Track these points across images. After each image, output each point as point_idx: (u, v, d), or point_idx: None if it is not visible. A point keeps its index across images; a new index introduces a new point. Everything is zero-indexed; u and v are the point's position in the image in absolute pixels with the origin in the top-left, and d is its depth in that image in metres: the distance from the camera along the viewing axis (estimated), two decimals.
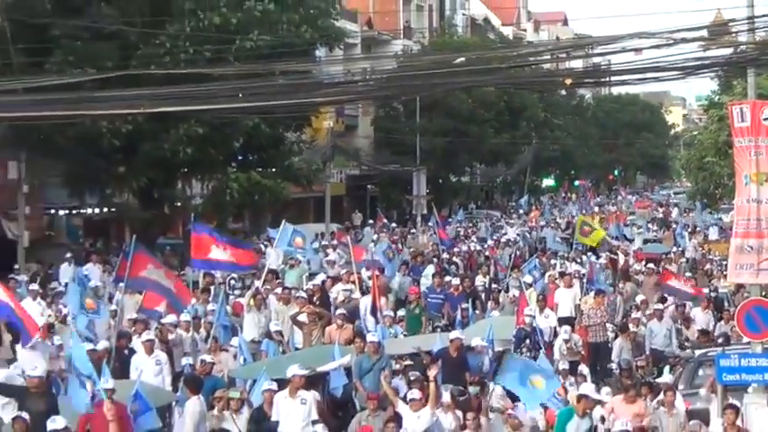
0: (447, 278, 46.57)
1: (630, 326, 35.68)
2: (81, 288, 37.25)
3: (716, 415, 23.00)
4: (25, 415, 23.02)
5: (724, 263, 43.99)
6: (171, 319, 33.00)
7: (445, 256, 57.36)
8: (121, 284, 35.27)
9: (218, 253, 37.98)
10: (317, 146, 78.32)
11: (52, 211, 62.66)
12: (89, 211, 65.62)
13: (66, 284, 42.40)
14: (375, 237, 66.20)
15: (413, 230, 77.12)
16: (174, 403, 26.18)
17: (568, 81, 44.08)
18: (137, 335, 30.63)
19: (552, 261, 55.03)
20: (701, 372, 27.54)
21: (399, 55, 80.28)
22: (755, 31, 28.53)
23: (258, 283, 39.88)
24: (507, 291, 44.09)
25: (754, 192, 26.28)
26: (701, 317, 37.52)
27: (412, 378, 26.96)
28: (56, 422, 20.80)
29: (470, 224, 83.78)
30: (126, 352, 29.98)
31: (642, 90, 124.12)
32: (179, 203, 63.96)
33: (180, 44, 53.46)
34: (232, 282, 40.57)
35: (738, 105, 27.96)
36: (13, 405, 24.43)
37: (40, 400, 24.22)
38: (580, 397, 23.09)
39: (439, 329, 36.38)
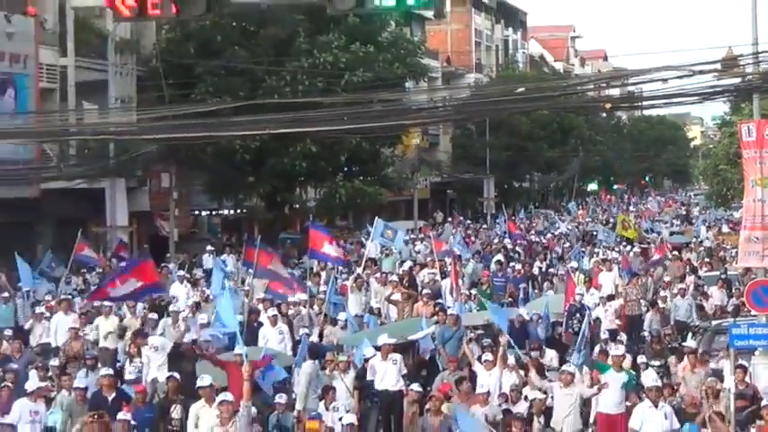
0: (511, 263, 46.82)
1: (659, 302, 35.58)
2: (220, 273, 37.55)
3: (729, 373, 22.80)
4: (177, 375, 23.20)
5: (734, 250, 43.70)
6: (291, 298, 33.23)
7: (509, 246, 57.42)
8: (251, 270, 35.44)
9: (329, 248, 38.42)
10: (407, 159, 78.47)
11: (196, 213, 63.03)
12: (225, 212, 66.19)
13: (208, 271, 42.65)
14: (453, 231, 66.11)
15: (483, 226, 76.90)
16: (293, 365, 26.20)
17: (608, 105, 43.82)
18: (264, 311, 30.69)
19: (596, 250, 54.81)
20: (717, 338, 27.37)
21: (472, 86, 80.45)
22: (759, 64, 28.36)
23: (359, 269, 40.23)
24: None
25: (759, 193, 26.23)
26: (716, 294, 37.28)
27: (485, 344, 26.91)
28: (204, 380, 20.84)
29: (530, 221, 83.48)
30: (255, 324, 30.06)
31: (668, 112, 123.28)
32: (297, 206, 64.47)
33: (298, 78, 53.91)
34: (340, 268, 40.61)
35: (746, 124, 27.83)
36: (165, 368, 24.58)
37: (189, 363, 24.34)
38: (615, 357, 22.99)
39: (504, 305, 36.36)
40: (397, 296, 35.25)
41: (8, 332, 30.27)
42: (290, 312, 31.75)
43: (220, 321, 24.33)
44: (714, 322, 30.86)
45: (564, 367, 23.30)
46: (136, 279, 30.11)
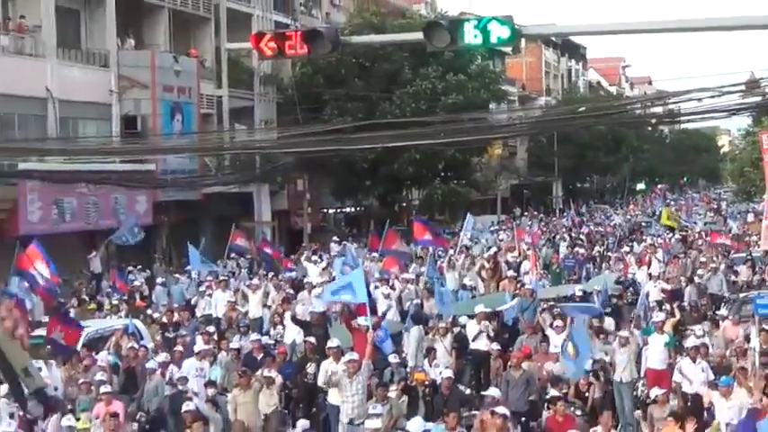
0: (576, 249, 46.76)
1: (696, 278, 35.23)
2: (343, 258, 37.79)
3: (755, 335, 22.44)
4: (312, 339, 23.33)
5: (757, 236, 43.48)
6: (403, 275, 33.42)
7: (574, 234, 57.48)
8: (374, 254, 35.74)
9: (428, 236, 38.63)
10: (491, 165, 78.31)
11: (325, 210, 63.21)
12: (347, 209, 66.35)
13: (334, 256, 42.88)
14: (529, 223, 66.11)
15: (553, 219, 76.63)
16: (403, 331, 26.20)
17: (653, 120, 43.20)
18: (380, 286, 30.76)
19: (644, 237, 54.53)
20: (744, 307, 26.94)
21: (543, 107, 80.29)
22: None
23: (451, 252, 40.32)
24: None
25: None
26: (744, 271, 36.90)
27: (555, 313, 26.78)
28: (332, 342, 20.91)
29: (590, 214, 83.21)
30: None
31: (701, 125, 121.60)
32: (404, 204, 64.68)
33: (404, 102, 54.08)
34: (438, 252, 40.60)
35: (766, 134, 27.53)
36: (302, 333, 24.72)
37: (320, 329, 24.44)
38: (657, 322, 22.79)
39: (571, 282, 36.30)
40: (484, 273, 35.54)
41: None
42: (399, 288, 31.79)
43: (353, 293, 24.39)
44: (742, 294, 30.46)
45: (620, 333, 23.13)
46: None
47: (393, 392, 19.12)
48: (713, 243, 45.50)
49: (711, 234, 50.11)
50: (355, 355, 19.39)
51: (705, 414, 18.29)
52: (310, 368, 21.78)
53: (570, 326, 23.12)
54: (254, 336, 24.78)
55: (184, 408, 18.30)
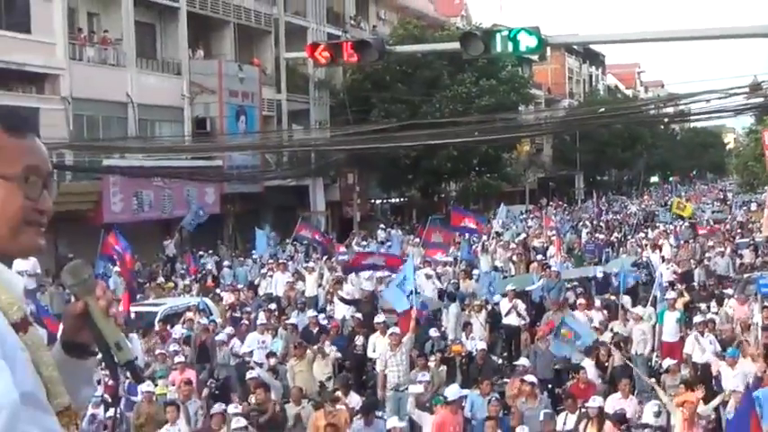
0: (596, 235, 46.73)
1: (705, 261, 35.03)
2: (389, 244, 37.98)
3: (757, 311, 22.27)
4: (359, 315, 23.41)
5: (759, 223, 43.19)
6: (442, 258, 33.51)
7: (594, 222, 57.43)
8: (416, 240, 35.84)
9: (466, 222, 38.55)
10: (520, 161, 78.15)
11: (372, 201, 63.26)
12: (392, 200, 66.38)
13: (381, 242, 42.99)
14: (554, 211, 65.87)
15: (576, 208, 76.44)
16: (442, 308, 26.22)
17: (665, 120, 42.92)
18: (423, 267, 30.83)
19: (657, 224, 54.28)
20: (748, 287, 26.73)
21: (566, 108, 79.80)
22: None
23: (484, 238, 40.34)
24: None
25: None
26: (747, 254, 36.63)
27: (578, 292, 26.71)
28: (379, 317, 20.96)
29: (609, 204, 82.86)
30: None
31: (709, 124, 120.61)
32: (443, 195, 64.65)
33: (442, 105, 54.04)
34: (473, 238, 40.54)
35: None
36: (353, 309, 24.76)
37: (368, 306, 24.45)
38: (669, 299, 22.68)
39: (592, 264, 36.15)
40: (515, 258, 35.56)
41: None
42: (440, 270, 31.81)
43: (403, 278, 24.48)
44: (746, 275, 30.24)
45: (634, 309, 23.05)
46: (385, 259, 30.68)
47: (433, 363, 19.14)
48: (712, 233, 45.22)
49: (712, 226, 50.03)
50: (398, 330, 19.47)
51: (713, 382, 18.19)
52: (358, 341, 21.84)
53: (563, 310, 23.05)
54: (310, 312, 24.86)
55: (248, 376, 18.40)
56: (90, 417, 15.07)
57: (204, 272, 34.83)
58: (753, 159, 64.38)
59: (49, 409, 2.50)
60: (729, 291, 27.14)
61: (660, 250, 37.28)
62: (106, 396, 15.16)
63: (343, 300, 26.22)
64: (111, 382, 14.26)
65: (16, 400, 2.26)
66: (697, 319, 21.44)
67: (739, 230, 47.64)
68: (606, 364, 19.53)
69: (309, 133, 52.57)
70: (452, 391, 15.29)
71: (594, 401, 14.83)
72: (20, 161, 2.51)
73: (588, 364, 18.97)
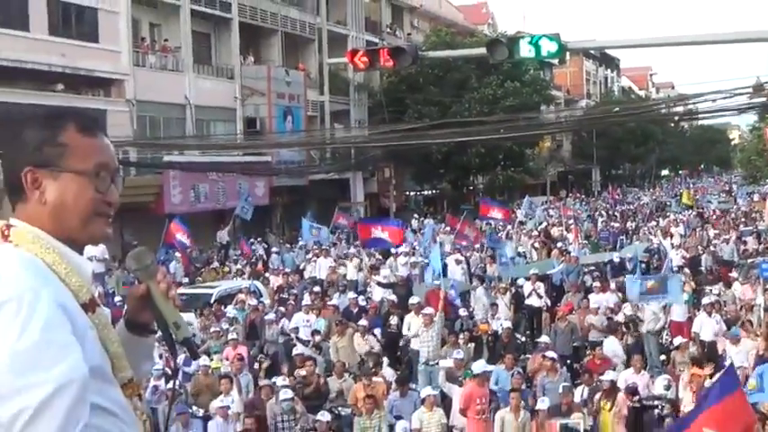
0: (611, 223, 46.51)
1: (711, 247, 34.78)
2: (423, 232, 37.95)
3: (760, 293, 22.09)
4: (394, 297, 23.44)
5: (761, 212, 42.97)
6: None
7: (610, 211, 57.06)
8: (447, 228, 35.78)
9: (494, 213, 38.57)
10: (542, 156, 77.78)
11: (407, 193, 63.24)
12: (425, 192, 66.27)
13: (413, 231, 42.98)
14: (573, 202, 65.63)
15: (592, 199, 76.02)
16: (470, 290, 26.17)
17: (675, 118, 42.58)
18: (452, 253, 30.81)
19: (668, 213, 53.93)
20: (751, 271, 26.52)
21: (584, 108, 79.44)
22: None
23: (509, 226, 40.26)
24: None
25: None
26: (750, 242, 36.34)
27: (594, 275, 26.62)
28: (413, 299, 20.94)
29: (623, 195, 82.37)
30: (444, 264, 30.18)
31: (715, 121, 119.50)
32: (471, 188, 64.46)
33: (472, 105, 53.91)
34: (498, 226, 40.47)
35: None
36: (389, 292, 24.75)
37: (403, 289, 24.43)
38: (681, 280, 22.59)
39: (607, 250, 35.95)
40: (536, 245, 35.44)
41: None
42: (468, 255, 31.78)
43: (433, 262, 24.47)
44: (749, 260, 30.00)
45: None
46: (387, 235, 30.61)
47: (462, 340, 19.14)
48: (721, 221, 44.98)
49: (719, 215, 49.74)
50: (430, 310, 19.48)
51: (720, 359, 18.07)
52: (393, 320, 21.87)
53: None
54: (350, 294, 24.96)
55: (295, 351, 18.51)
56: (152, 388, 15.21)
57: (255, 257, 35.00)
58: (756, 154, 64.33)
59: (114, 382, 2.54)
60: (734, 274, 26.94)
61: (671, 237, 37.10)
62: (167, 369, 15.32)
63: (380, 284, 26.25)
64: (170, 357, 14.47)
65: (86, 374, 2.30)
66: (704, 300, 21.31)
67: (743, 219, 47.27)
68: (621, 341, 19.47)
69: (349, 131, 52.70)
70: (479, 366, 15.30)
71: (607, 376, 14.78)
72: (91, 158, 2.56)
73: (611, 341, 18.96)
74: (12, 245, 2.45)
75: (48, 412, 2.18)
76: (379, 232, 31.90)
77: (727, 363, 16.81)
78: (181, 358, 15.32)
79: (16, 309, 2.25)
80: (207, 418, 14.57)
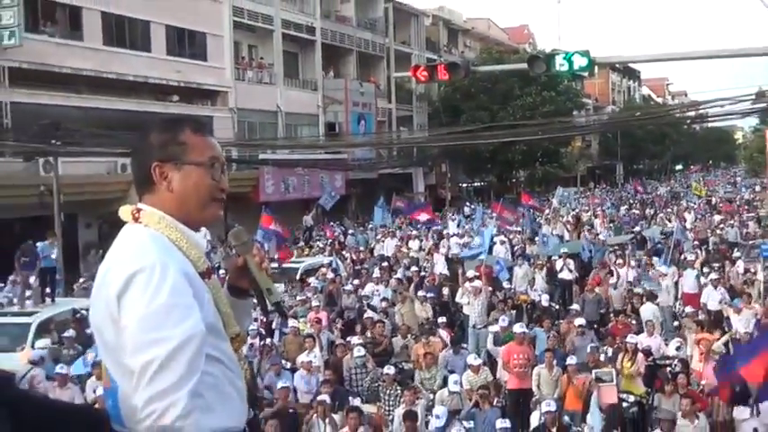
0: (632, 210, 45.89)
1: (717, 230, 34.09)
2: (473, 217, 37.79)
3: (761, 270, 21.66)
4: (446, 271, 23.38)
5: (762, 201, 42.10)
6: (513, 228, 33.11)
7: (631, 201, 56.25)
8: (494, 214, 35.59)
9: (531, 202, 38.39)
10: (574, 153, 76.70)
11: (460, 185, 62.92)
12: (475, 184, 65.79)
13: (466, 216, 42.85)
14: (599, 193, 64.77)
15: (616, 190, 74.89)
16: (513, 267, 26.00)
17: (688, 121, 41.73)
18: (499, 234, 30.60)
19: (681, 202, 52.96)
20: (752, 251, 25.99)
21: (609, 113, 78.22)
22: None
23: (547, 211, 39.99)
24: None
25: None
26: (752, 226, 35.63)
27: (617, 254, 26.27)
28: (468, 273, 20.89)
29: (643, 186, 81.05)
30: (491, 244, 30.03)
31: (723, 124, 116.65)
32: (514, 180, 63.90)
33: (515, 111, 53.36)
34: (536, 213, 40.16)
35: None
36: (445, 267, 24.70)
37: (457, 264, 24.33)
38: (690, 260, 22.21)
39: (628, 233, 35.41)
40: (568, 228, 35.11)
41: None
42: (511, 236, 31.56)
43: (482, 241, 24.33)
44: (751, 242, 29.38)
45: (660, 269, 22.50)
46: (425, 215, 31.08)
47: (505, 308, 19.06)
48: (726, 210, 43.97)
49: (725, 204, 48.63)
50: (479, 282, 19.44)
51: (724, 325, 17.78)
52: (445, 290, 21.86)
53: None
54: (413, 268, 24.97)
55: (366, 316, 18.60)
56: (249, 345, 15.39)
57: (334, 238, 35.17)
58: (757, 152, 63.17)
59: (225, 337, 2.63)
60: (737, 254, 26.41)
61: (684, 222, 36.49)
62: (261, 329, 15.49)
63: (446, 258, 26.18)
64: (264, 319, 14.61)
65: (204, 331, 2.40)
66: (711, 275, 20.96)
67: (746, 207, 46.34)
68: (639, 309, 19.25)
69: (412, 134, 52.63)
70: (519, 328, 15.25)
71: (632, 338, 14.59)
72: (206, 152, 2.65)
73: (647, 307, 18.68)
74: (142, 225, 2.54)
75: (173, 362, 2.28)
76: (421, 215, 36.70)
77: (732, 328, 16.60)
78: (279, 321, 15.53)
79: (148, 277, 2.35)
80: (294, 370, 14.72)
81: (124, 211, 2.60)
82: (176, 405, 2.27)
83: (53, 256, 20.99)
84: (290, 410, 12.66)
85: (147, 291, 2.34)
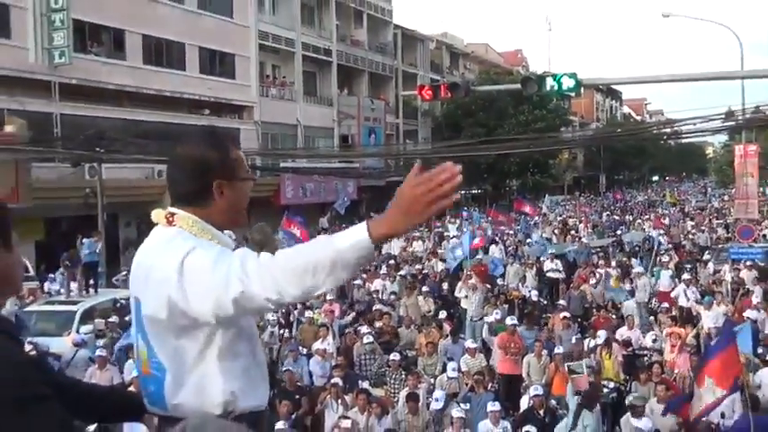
0: (613, 216, 45.63)
1: (690, 235, 33.89)
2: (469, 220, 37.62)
3: (728, 271, 21.56)
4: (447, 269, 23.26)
5: (730, 209, 41.83)
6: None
7: (612, 207, 55.99)
8: (489, 219, 35.46)
9: (524, 208, 38.18)
10: (561, 164, 76.32)
11: (460, 192, 62.20)
12: (473, 191, 65.44)
13: (465, 219, 42.72)
14: (584, 200, 64.33)
15: (599, 198, 74.52)
16: (506, 264, 25.90)
17: (665, 137, 41.62)
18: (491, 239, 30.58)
19: (657, 209, 52.74)
20: (721, 254, 25.85)
21: (593, 129, 77.95)
22: (744, 114, 26.67)
23: (536, 218, 39.61)
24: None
25: (743, 180, 24.71)
26: (721, 231, 35.33)
27: (600, 255, 26.13)
28: (466, 271, 20.81)
29: (622, 195, 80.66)
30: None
31: (695, 140, 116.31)
32: (507, 188, 63.67)
33: (510, 127, 53.18)
34: (527, 218, 40.00)
35: (738, 146, 26.33)
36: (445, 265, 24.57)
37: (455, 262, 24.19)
38: (664, 261, 22.05)
39: (609, 237, 35.17)
40: (556, 232, 34.90)
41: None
42: (505, 238, 31.43)
43: (463, 249, 24.17)
44: (720, 246, 29.21)
45: (637, 270, 22.39)
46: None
47: (498, 303, 19.00)
48: (698, 217, 43.72)
49: (697, 212, 48.40)
50: (475, 279, 19.38)
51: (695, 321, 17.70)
52: (445, 286, 21.78)
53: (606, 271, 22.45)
54: (417, 266, 24.91)
55: (375, 308, 18.56)
56: (270, 333, 15.39)
57: None
58: (726, 165, 62.86)
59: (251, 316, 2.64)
60: (707, 256, 26.26)
61: (660, 227, 36.28)
62: (281, 319, 15.48)
63: (441, 259, 26.13)
64: (283, 310, 14.62)
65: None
66: (684, 275, 20.87)
67: (715, 214, 46.05)
68: (619, 305, 19.17)
69: (417, 146, 52.55)
70: (510, 321, 15.19)
71: (602, 334, 14.44)
72: (246, 167, 2.64)
73: (630, 303, 18.67)
74: (176, 227, 2.50)
75: (243, 301, 2.20)
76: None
77: (702, 324, 16.52)
78: (295, 312, 15.50)
79: (201, 249, 2.33)
80: (309, 356, 14.70)
81: (157, 215, 2.56)
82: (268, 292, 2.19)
83: (97, 251, 21.14)
84: (297, 389, 12.62)
85: (206, 255, 2.29)
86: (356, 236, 2.19)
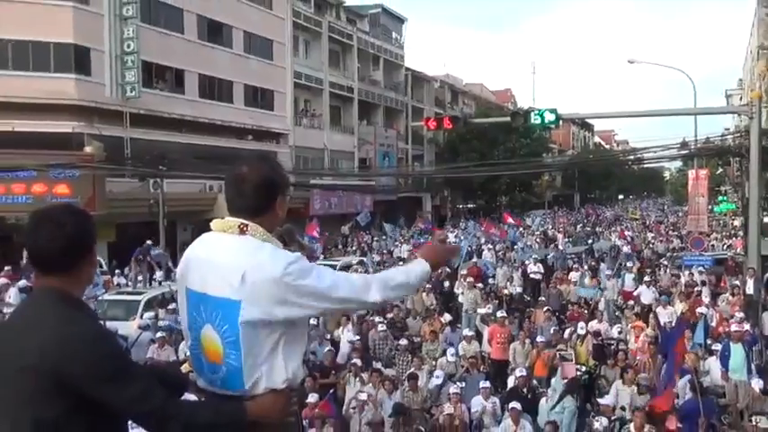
0: (586, 228, 45.17)
1: (650, 244, 33.62)
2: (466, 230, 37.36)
3: (682, 275, 21.34)
4: (447, 269, 23.13)
5: (683, 223, 41.38)
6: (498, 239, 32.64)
7: (584, 220, 55.36)
8: (482, 228, 35.12)
9: (512, 221, 37.93)
10: (543, 184, 75.77)
11: (457, 206, 62.31)
12: (469, 206, 65.07)
13: (462, 229, 42.41)
14: (562, 214, 63.55)
15: (574, 212, 73.94)
16: (497, 267, 25.68)
17: (629, 162, 41.37)
18: (484, 243, 30.29)
19: (623, 222, 52.22)
20: (676, 260, 25.59)
21: (570, 156, 77.55)
22: (697, 143, 26.51)
23: (521, 229, 39.22)
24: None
25: (695, 200, 24.49)
26: (675, 241, 35.01)
27: (574, 260, 25.85)
28: (462, 271, 20.65)
29: (594, 210, 79.94)
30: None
31: (656, 165, 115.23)
32: (498, 204, 63.20)
33: (500, 153, 52.89)
34: (513, 229, 39.69)
35: (691, 170, 26.10)
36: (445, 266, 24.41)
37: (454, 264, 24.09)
38: (629, 268, 21.75)
39: (582, 244, 34.82)
40: (538, 240, 34.59)
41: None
42: (496, 245, 31.17)
43: (463, 248, 24.02)
44: (675, 254, 28.94)
45: (607, 272, 22.19)
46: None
47: (490, 298, 18.90)
48: (656, 229, 43.31)
49: (656, 225, 47.95)
50: (471, 279, 19.29)
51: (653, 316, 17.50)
52: (446, 284, 21.70)
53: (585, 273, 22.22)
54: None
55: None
56: None
57: (364, 243, 35.00)
58: (680, 186, 62.42)
59: None
60: (665, 262, 26.04)
61: (624, 237, 35.98)
62: None
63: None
64: None
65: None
66: (645, 278, 20.69)
67: (671, 227, 45.66)
68: (590, 303, 19.04)
69: (423, 168, 52.54)
70: (500, 314, 15.11)
71: (580, 326, 14.37)
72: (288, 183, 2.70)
73: (602, 301, 18.46)
74: (249, 236, 2.48)
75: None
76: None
77: (660, 320, 16.35)
78: None
79: (301, 262, 2.42)
80: (332, 341, 14.67)
81: (229, 225, 2.51)
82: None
83: (162, 253, 21.44)
84: (335, 366, 12.56)
85: (311, 270, 2.42)
86: (425, 269, 2.65)
